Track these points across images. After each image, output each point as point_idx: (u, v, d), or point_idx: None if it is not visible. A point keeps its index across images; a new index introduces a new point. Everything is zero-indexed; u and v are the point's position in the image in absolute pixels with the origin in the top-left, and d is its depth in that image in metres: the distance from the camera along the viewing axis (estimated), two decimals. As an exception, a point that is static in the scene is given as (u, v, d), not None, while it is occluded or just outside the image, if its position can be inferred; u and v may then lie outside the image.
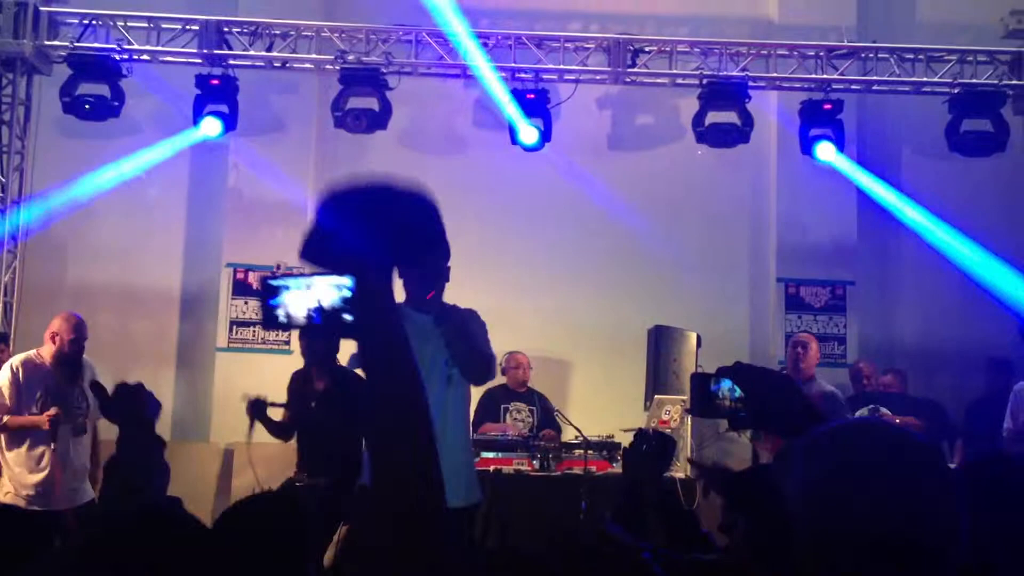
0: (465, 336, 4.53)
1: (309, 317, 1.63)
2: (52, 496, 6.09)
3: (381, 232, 1.47)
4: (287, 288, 1.65)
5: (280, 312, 1.66)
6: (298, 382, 6.44)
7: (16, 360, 6.30)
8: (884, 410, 7.39)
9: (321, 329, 1.61)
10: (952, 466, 1.64)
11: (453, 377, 4.63)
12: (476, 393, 7.96)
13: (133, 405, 2.72)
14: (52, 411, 6.05)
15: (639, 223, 9.21)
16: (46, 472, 6.10)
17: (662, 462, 3.55)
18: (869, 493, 1.47)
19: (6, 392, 6.12)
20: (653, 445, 3.48)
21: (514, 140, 8.54)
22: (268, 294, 1.66)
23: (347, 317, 1.56)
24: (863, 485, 1.48)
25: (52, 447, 6.10)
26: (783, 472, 1.63)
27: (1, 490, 6.14)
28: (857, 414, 7.41)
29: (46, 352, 6.27)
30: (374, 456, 1.46)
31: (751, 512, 2.79)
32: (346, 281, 1.54)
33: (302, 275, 1.62)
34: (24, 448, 6.11)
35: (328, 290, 1.59)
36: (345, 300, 1.57)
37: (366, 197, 1.49)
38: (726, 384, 2.12)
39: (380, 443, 1.46)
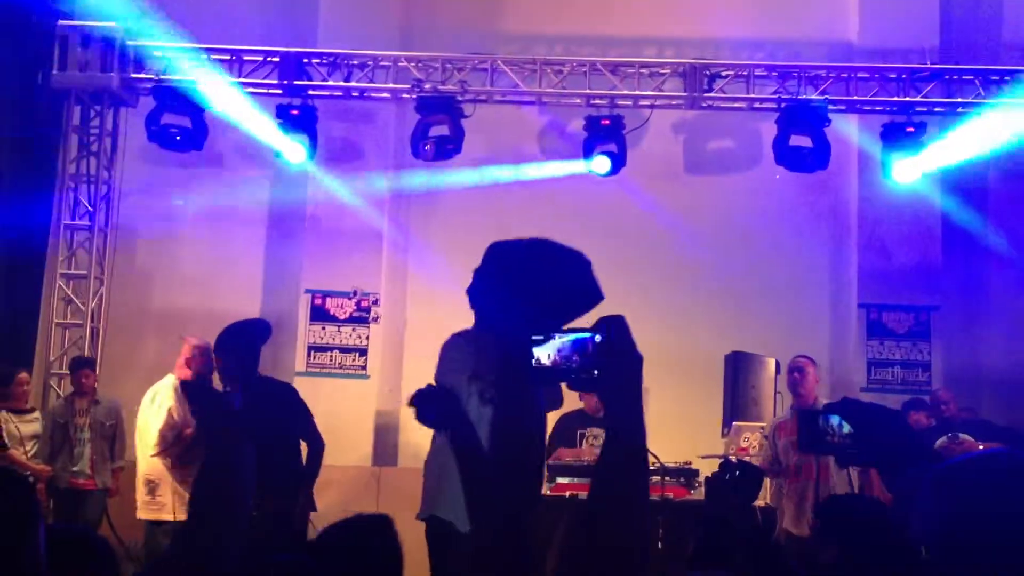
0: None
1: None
2: None
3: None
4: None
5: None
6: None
7: (170, 381, 6.71)
8: (965, 436, 7.15)
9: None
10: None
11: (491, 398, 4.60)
12: (552, 417, 7.97)
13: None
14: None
15: (716, 248, 9.11)
16: None
17: (748, 492, 3.45)
18: (1006, 525, 1.42)
19: (176, 412, 6.52)
20: (738, 475, 3.40)
21: (588, 161, 8.54)
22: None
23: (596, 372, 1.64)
24: (998, 517, 1.43)
25: None
26: (907, 505, 1.59)
27: (163, 510, 6.46)
28: (938, 444, 7.19)
29: (181, 376, 6.65)
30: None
31: (845, 539, 2.71)
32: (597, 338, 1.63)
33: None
34: (193, 467, 6.31)
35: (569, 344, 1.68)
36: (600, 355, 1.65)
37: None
38: (834, 419, 2.08)
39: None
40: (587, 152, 8.56)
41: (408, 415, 9.15)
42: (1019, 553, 1.42)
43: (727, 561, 3.27)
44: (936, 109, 8.52)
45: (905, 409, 7.83)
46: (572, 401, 7.89)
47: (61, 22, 8.65)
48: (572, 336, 1.67)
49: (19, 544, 2.28)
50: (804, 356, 6.80)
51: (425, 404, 2.52)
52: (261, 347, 5.67)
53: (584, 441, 7.51)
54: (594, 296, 1.65)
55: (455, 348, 4.71)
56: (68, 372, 8.21)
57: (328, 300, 9.13)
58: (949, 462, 1.58)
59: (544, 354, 1.74)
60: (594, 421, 7.64)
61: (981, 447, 6.96)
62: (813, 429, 2.11)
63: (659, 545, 6.20)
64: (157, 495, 6.69)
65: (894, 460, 1.95)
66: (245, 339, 5.62)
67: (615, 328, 1.64)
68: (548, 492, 6.85)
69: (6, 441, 7.32)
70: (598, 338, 1.60)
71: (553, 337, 1.73)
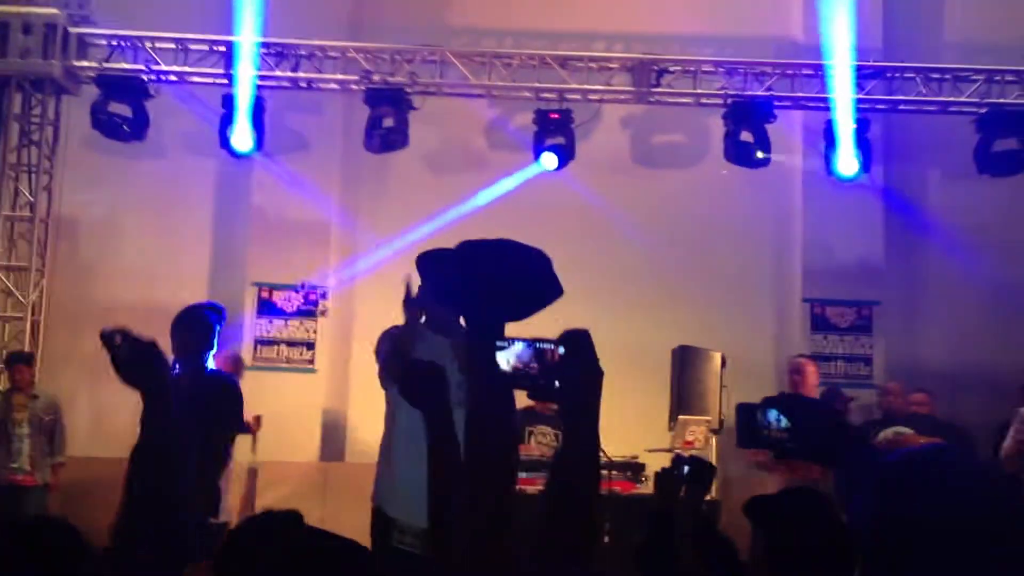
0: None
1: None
2: None
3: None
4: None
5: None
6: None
7: None
8: (905, 430, 7.26)
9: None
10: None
11: (462, 402, 4.60)
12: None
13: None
14: None
15: (663, 242, 9.18)
16: None
17: (699, 488, 3.48)
18: (945, 520, 1.45)
19: None
20: (689, 471, 3.42)
21: (537, 158, 8.56)
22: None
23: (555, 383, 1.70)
24: (933, 511, 1.46)
25: None
26: (847, 499, 1.62)
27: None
28: (881, 435, 7.31)
29: None
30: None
31: (777, 534, 2.75)
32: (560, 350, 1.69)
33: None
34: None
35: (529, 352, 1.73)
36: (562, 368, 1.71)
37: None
38: (772, 414, 2.10)
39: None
40: (536, 145, 8.57)
41: (356, 410, 9.17)
42: (954, 545, 1.45)
43: (671, 555, 3.30)
44: (879, 106, 8.66)
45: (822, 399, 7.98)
46: (519, 398, 7.90)
47: (1, 7, 8.47)
48: (535, 344, 1.73)
49: None
50: (803, 356, 6.90)
51: (412, 379, 2.48)
52: (217, 332, 5.36)
53: (531, 438, 7.54)
54: (556, 291, 1.74)
55: (391, 340, 4.75)
56: (4, 366, 8.07)
57: (275, 293, 9.04)
58: (892, 456, 1.61)
59: (504, 359, 1.76)
60: (542, 419, 7.68)
61: (921, 441, 7.11)
62: (751, 424, 2.14)
63: (606, 539, 6.25)
64: None
65: (830, 453, 1.98)
66: (203, 319, 5.37)
67: (581, 342, 1.70)
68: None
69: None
70: (562, 350, 1.67)
71: (514, 343, 1.76)
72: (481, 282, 1.67)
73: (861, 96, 8.49)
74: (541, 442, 7.45)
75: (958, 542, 1.46)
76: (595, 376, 1.68)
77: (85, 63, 8.67)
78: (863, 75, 8.54)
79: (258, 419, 7.41)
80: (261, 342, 8.99)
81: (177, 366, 5.27)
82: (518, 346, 1.72)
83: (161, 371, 2.42)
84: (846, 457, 1.81)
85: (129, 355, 2.42)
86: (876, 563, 1.54)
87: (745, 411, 2.15)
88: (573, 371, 1.66)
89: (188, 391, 5.23)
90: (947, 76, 8.55)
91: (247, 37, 8.46)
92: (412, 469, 4.50)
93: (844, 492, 1.72)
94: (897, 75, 8.58)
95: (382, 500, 4.74)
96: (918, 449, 1.70)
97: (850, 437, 1.97)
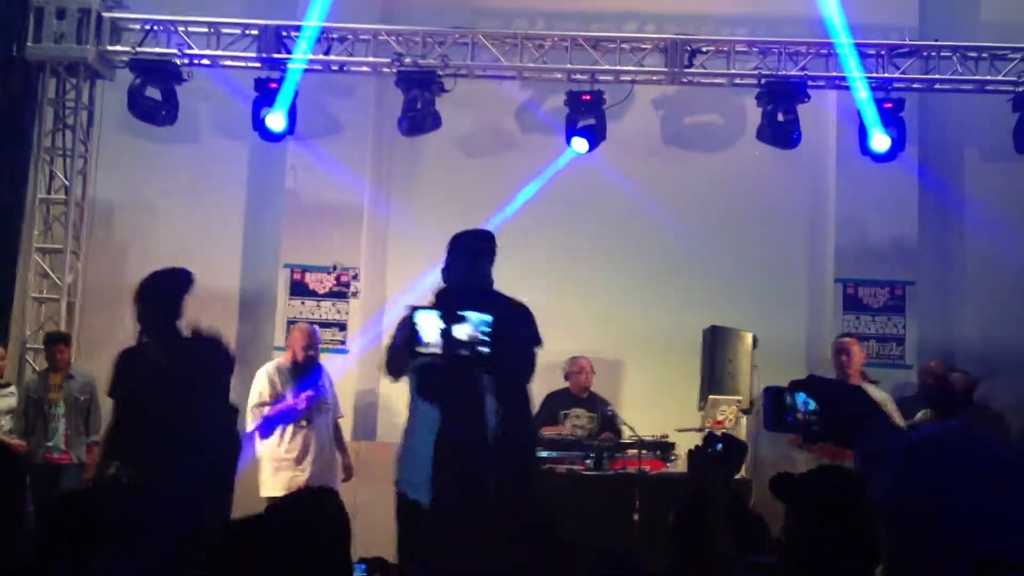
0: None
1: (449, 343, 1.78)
2: None
3: None
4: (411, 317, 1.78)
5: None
6: (128, 359, 5.27)
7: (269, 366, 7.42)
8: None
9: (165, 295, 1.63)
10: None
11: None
12: (540, 395, 8.02)
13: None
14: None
15: (695, 223, 9.14)
16: None
17: (731, 466, 3.47)
18: (961, 504, 1.44)
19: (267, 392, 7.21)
20: (721, 448, 3.41)
21: (569, 142, 8.54)
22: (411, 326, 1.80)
23: (484, 350, 1.72)
24: (956, 495, 1.45)
25: None
26: (871, 476, 1.61)
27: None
28: (919, 416, 7.26)
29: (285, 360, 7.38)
30: None
31: (803, 511, 2.74)
32: (488, 318, 1.71)
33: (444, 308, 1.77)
34: None
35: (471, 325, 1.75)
36: (486, 335, 1.73)
37: None
38: (800, 397, 2.09)
39: None
40: (568, 127, 8.55)
41: (387, 389, 9.21)
42: (971, 531, 1.44)
43: (704, 531, 3.30)
44: (915, 86, 8.56)
45: None
46: (558, 380, 7.95)
47: (36, -7, 8.57)
48: (483, 317, 1.77)
49: (9, 517, 2.30)
50: (848, 335, 6.86)
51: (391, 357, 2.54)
52: (183, 298, 5.12)
53: (567, 420, 7.55)
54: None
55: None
56: (43, 347, 8.19)
57: (307, 275, 9.09)
58: (917, 434, 1.60)
59: (462, 331, 1.79)
60: (578, 402, 7.70)
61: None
62: (779, 407, 2.12)
63: (635, 517, 6.26)
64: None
65: (857, 437, 1.97)
66: (164, 288, 5.17)
67: (524, 315, 1.74)
68: (527, 466, 6.89)
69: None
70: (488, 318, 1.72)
71: (468, 319, 1.78)
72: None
73: (897, 75, 8.41)
74: (576, 424, 7.47)
75: (977, 521, 1.45)
76: (527, 346, 1.71)
77: (119, 48, 8.75)
78: (899, 54, 8.45)
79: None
80: (294, 323, 9.04)
81: (144, 336, 5.13)
82: (474, 318, 1.74)
83: None
84: (869, 437, 1.80)
85: None
86: (897, 542, 1.54)
87: (772, 394, 2.14)
88: (504, 341, 1.69)
89: (160, 361, 5.05)
90: (984, 55, 8.44)
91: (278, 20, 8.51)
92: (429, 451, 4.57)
93: (866, 472, 1.71)
94: (933, 54, 8.47)
95: (406, 485, 4.79)
96: (939, 428, 1.68)
97: (876, 419, 1.96)
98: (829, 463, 4.53)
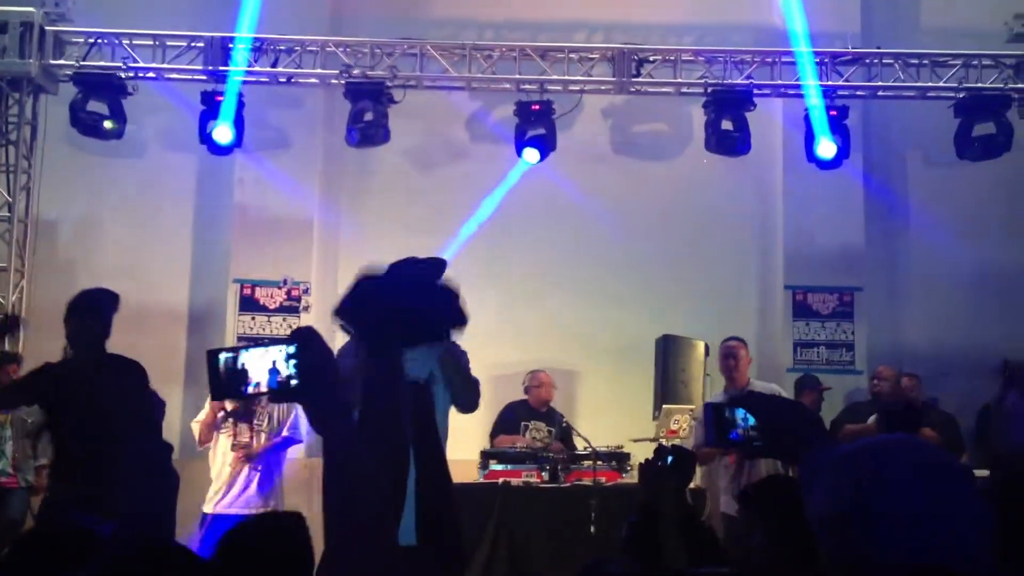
0: (462, 369, 4.74)
1: (273, 384, 1.72)
2: None
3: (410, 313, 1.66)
4: (236, 358, 1.72)
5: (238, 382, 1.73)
6: (54, 374, 5.46)
7: None
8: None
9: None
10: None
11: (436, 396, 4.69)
12: (492, 407, 8.01)
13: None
14: None
15: (646, 232, 9.21)
16: None
17: (682, 477, 3.49)
18: (896, 514, 1.45)
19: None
20: (672, 460, 3.43)
21: (519, 152, 8.56)
22: (216, 366, 1.73)
23: (294, 383, 1.68)
24: (890, 505, 1.46)
25: None
26: (808, 488, 1.62)
27: None
28: (870, 420, 7.35)
29: None
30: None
31: (769, 521, 2.77)
32: (291, 349, 1.66)
33: (250, 346, 1.72)
34: None
35: (280, 357, 1.70)
36: (296, 367, 1.68)
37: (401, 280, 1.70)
38: (740, 413, 2.11)
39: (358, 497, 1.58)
40: (518, 137, 8.56)
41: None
42: (900, 545, 1.45)
43: (655, 543, 3.32)
44: (858, 93, 8.69)
45: (798, 387, 8.01)
46: (515, 391, 7.95)
47: (-24, 7, 8.41)
48: (273, 348, 1.72)
49: None
50: (735, 339, 6.81)
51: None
52: (111, 317, 5.39)
53: (527, 432, 7.55)
54: (458, 323, 1.81)
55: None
56: (-11, 368, 8.03)
57: (257, 289, 9.00)
58: (849, 446, 1.61)
59: (251, 366, 1.73)
60: (537, 415, 7.71)
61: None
62: (720, 423, 2.14)
63: (591, 529, 6.27)
64: None
65: (797, 450, 1.99)
66: (95, 305, 5.39)
67: (312, 339, 1.71)
68: (482, 479, 6.89)
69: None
70: (292, 349, 1.68)
71: (249, 349, 1.73)
72: (377, 313, 1.74)
73: (840, 83, 8.52)
74: (535, 436, 7.48)
75: (903, 534, 1.46)
76: (330, 372, 1.70)
77: (62, 61, 8.61)
78: (842, 62, 8.57)
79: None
80: (244, 339, 8.95)
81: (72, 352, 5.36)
82: (256, 351, 1.70)
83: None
84: (807, 453, 1.81)
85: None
86: (832, 557, 1.55)
87: (713, 410, 2.16)
88: (309, 368, 1.68)
89: (90, 377, 5.25)
90: (925, 62, 8.58)
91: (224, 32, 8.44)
92: None
93: (807, 488, 1.72)
94: (875, 61, 8.60)
95: None
96: (870, 441, 1.69)
97: (815, 434, 1.98)
98: (776, 474, 4.57)
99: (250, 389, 1.72)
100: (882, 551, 1.45)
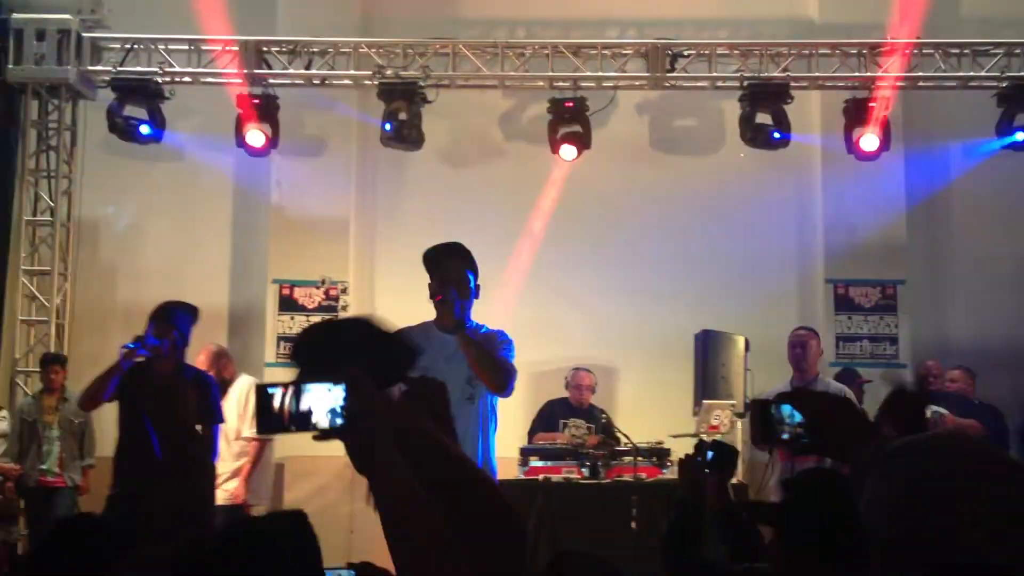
0: (487, 353, 4.62)
1: (332, 420, 1.74)
2: None
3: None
4: (298, 395, 1.74)
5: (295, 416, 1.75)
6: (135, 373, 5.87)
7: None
8: (943, 411, 7.22)
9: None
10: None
11: (474, 396, 4.67)
12: (532, 404, 8.01)
13: None
14: None
15: (684, 227, 9.16)
16: None
17: (723, 473, 3.45)
18: (945, 509, 1.43)
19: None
20: (713, 456, 3.39)
21: (554, 150, 8.53)
22: (267, 401, 1.75)
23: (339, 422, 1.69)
24: (940, 500, 1.43)
25: None
26: (858, 482, 1.60)
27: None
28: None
29: None
30: None
31: (815, 511, 2.73)
32: (340, 392, 1.68)
33: (303, 383, 1.74)
34: None
35: (335, 398, 1.71)
36: (343, 409, 1.71)
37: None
38: (786, 409, 2.07)
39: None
40: (552, 135, 8.54)
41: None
42: (949, 538, 1.43)
43: (697, 540, 3.28)
44: (898, 84, 8.57)
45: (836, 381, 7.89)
46: (557, 388, 7.96)
47: (15, 15, 8.53)
48: (333, 388, 1.73)
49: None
50: (805, 328, 6.76)
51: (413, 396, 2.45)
52: (191, 329, 5.94)
53: (566, 429, 7.53)
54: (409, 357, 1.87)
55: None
56: (35, 369, 8.16)
57: (296, 290, 9.06)
58: (901, 441, 1.59)
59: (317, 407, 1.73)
60: (577, 412, 7.70)
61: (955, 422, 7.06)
62: (765, 420, 2.10)
63: (632, 525, 6.24)
64: None
65: (846, 447, 1.96)
66: (185, 316, 5.90)
67: (359, 382, 1.71)
68: (522, 475, 6.87)
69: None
70: (341, 392, 1.68)
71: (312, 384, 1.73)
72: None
73: (879, 74, 8.42)
74: (574, 434, 7.45)
75: (960, 532, 1.43)
76: (373, 414, 1.69)
77: (99, 67, 8.71)
78: (880, 53, 8.46)
79: None
80: (283, 339, 9.01)
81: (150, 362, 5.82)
82: (317, 389, 1.70)
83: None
84: (856, 448, 1.78)
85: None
86: (883, 551, 1.52)
87: (759, 407, 2.13)
88: (353, 410, 1.68)
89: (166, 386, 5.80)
90: (966, 51, 8.45)
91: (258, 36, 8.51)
92: None
93: (857, 483, 1.69)
94: (915, 51, 8.48)
95: None
96: (925, 437, 1.66)
97: (863, 429, 1.95)
98: (815, 467, 4.51)
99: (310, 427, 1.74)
100: (931, 546, 1.43)
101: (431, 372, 2.58)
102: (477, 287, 4.70)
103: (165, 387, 5.81)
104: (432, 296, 4.66)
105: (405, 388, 2.05)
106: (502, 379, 4.63)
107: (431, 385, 2.23)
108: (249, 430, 7.41)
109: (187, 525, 5.39)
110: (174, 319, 5.85)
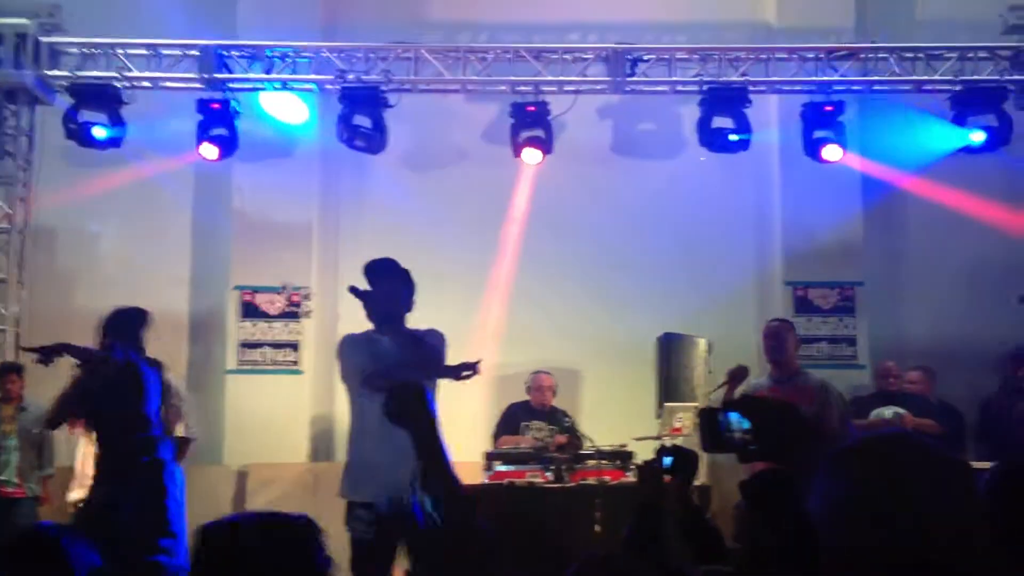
0: (417, 345, 5.04)
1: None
2: None
3: None
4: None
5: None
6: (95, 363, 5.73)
7: None
8: (902, 411, 7.33)
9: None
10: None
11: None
12: (496, 407, 8.04)
13: None
14: None
15: (645, 230, 9.22)
16: None
17: (684, 476, 3.48)
18: (894, 510, 1.45)
19: None
20: (673, 461, 3.41)
21: (516, 154, 8.55)
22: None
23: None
24: (888, 501, 1.46)
25: None
26: (808, 486, 1.63)
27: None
28: (874, 413, 7.36)
29: None
30: None
31: (769, 513, 2.76)
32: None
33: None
34: None
35: None
36: None
37: None
38: (734, 417, 2.10)
39: None
40: (514, 139, 8.56)
41: (343, 410, 9.14)
42: (898, 540, 1.45)
43: (658, 544, 3.31)
44: (854, 87, 8.67)
45: None
46: (520, 392, 8.00)
47: (-30, 20, 8.41)
48: None
49: None
50: (779, 320, 6.69)
51: (397, 402, 2.48)
52: (142, 334, 5.88)
53: (528, 432, 7.59)
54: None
55: (355, 346, 4.98)
56: (-7, 379, 8.03)
57: (258, 296, 9.00)
58: (847, 442, 1.61)
59: None
60: (538, 414, 7.74)
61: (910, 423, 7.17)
62: (713, 428, 2.14)
63: (596, 528, 6.27)
64: None
65: (792, 453, 1.99)
66: (129, 322, 5.85)
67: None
68: (487, 480, 6.89)
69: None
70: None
71: None
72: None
73: (836, 78, 8.52)
74: (536, 436, 7.51)
75: (905, 532, 1.46)
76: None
77: (57, 72, 8.61)
78: (837, 56, 8.56)
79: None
80: (246, 345, 8.96)
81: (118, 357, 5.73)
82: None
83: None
84: (803, 453, 1.82)
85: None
86: (830, 553, 1.55)
87: (707, 415, 2.16)
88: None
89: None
90: (920, 55, 8.57)
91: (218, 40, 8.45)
92: (370, 453, 4.76)
93: (804, 485, 1.72)
94: (871, 55, 8.59)
95: (345, 489, 5.03)
96: (871, 435, 1.69)
97: (809, 434, 1.99)
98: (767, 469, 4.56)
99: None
100: (880, 547, 1.45)
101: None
102: (411, 300, 5.15)
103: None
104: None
105: None
106: (433, 368, 5.00)
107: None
108: None
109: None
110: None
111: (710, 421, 2.10)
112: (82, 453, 6.89)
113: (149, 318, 5.93)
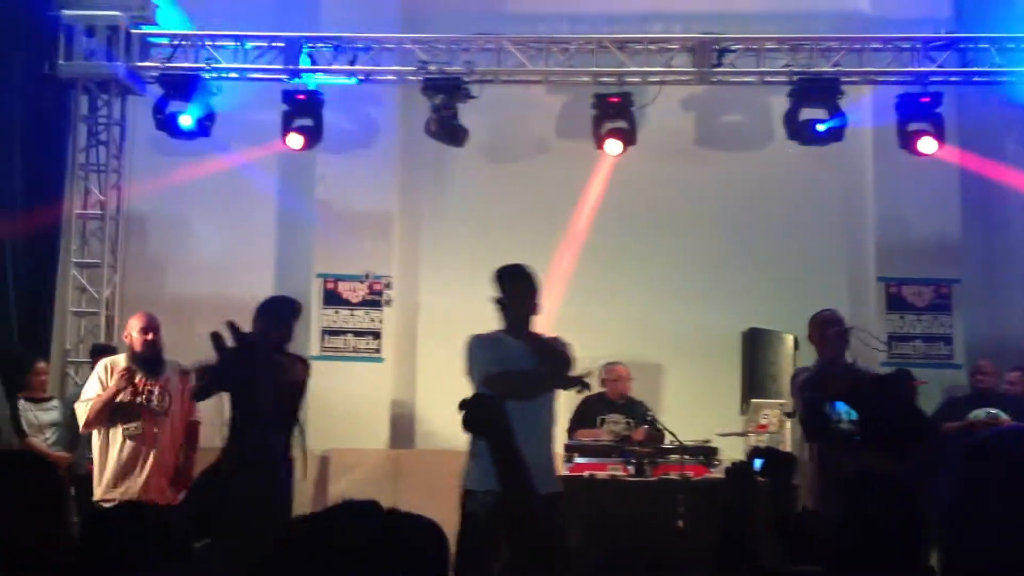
0: (550, 351, 5.21)
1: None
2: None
3: None
4: None
5: None
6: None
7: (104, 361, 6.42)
8: (1000, 413, 7.06)
9: None
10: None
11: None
12: (570, 400, 7.97)
13: None
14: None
15: (731, 224, 9.06)
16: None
17: (779, 480, 3.39)
18: (1011, 510, 1.38)
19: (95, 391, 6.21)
20: (764, 464, 3.32)
21: (599, 145, 8.47)
22: None
23: None
24: (1009, 501, 1.38)
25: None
26: (930, 474, 1.56)
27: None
28: (972, 415, 7.11)
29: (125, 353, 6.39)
30: None
31: (857, 522, 2.66)
32: None
33: None
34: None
35: None
36: None
37: None
38: (840, 407, 2.03)
39: None
40: (596, 130, 8.48)
41: (424, 398, 9.21)
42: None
43: (752, 549, 3.22)
44: (952, 79, 8.40)
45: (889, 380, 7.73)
46: (594, 386, 7.90)
47: (65, 12, 8.63)
48: None
49: (54, 524, 2.32)
50: (829, 310, 6.45)
51: (475, 413, 2.48)
52: (293, 323, 5.92)
53: (604, 425, 7.48)
54: None
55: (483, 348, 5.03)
56: (86, 360, 8.24)
57: (340, 284, 9.09)
58: (984, 433, 1.54)
59: None
60: (615, 407, 7.64)
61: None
62: (820, 417, 2.07)
63: (679, 524, 6.18)
64: None
65: (899, 443, 1.91)
66: (281, 311, 5.91)
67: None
68: (567, 472, 6.82)
69: (25, 429, 7.38)
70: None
71: None
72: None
73: (933, 69, 8.26)
74: (613, 430, 7.41)
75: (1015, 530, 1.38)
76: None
77: (148, 63, 8.79)
78: (934, 47, 8.31)
79: None
80: (328, 332, 9.05)
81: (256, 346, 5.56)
82: None
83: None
84: (919, 445, 1.74)
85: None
86: (958, 548, 1.47)
87: (813, 404, 2.09)
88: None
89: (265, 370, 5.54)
90: (1021, 45, 8.27)
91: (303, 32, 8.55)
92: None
93: (920, 479, 1.64)
94: (970, 46, 8.31)
95: (471, 480, 4.99)
96: (1003, 430, 1.61)
97: (921, 425, 1.90)
98: (869, 469, 4.44)
99: None
100: (999, 546, 1.38)
101: None
102: (537, 305, 5.23)
103: None
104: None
105: None
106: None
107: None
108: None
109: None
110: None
111: (817, 410, 2.03)
112: (97, 449, 6.56)
113: (300, 309, 6.08)
